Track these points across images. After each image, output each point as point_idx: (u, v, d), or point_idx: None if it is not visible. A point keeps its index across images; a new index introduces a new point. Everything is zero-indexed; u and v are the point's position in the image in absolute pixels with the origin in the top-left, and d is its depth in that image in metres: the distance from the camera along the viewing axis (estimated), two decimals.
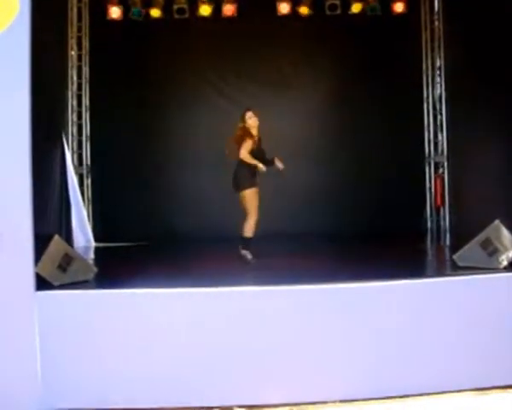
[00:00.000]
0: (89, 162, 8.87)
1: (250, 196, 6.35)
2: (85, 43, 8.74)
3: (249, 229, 6.30)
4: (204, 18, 8.62)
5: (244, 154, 6.28)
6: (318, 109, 8.92)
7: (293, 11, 8.63)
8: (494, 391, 4.37)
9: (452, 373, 4.39)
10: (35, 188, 4.21)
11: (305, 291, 4.48)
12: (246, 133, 6.36)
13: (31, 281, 4.23)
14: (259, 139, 6.46)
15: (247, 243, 6.34)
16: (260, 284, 4.67)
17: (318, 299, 4.45)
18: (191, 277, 5.34)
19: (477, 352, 4.42)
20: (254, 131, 6.42)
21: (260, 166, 6.25)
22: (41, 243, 4.47)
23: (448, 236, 8.70)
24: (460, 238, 6.03)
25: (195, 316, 4.37)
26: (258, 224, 6.37)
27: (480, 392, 4.37)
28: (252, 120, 6.41)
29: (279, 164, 6.50)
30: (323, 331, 4.39)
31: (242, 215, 6.40)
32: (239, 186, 6.40)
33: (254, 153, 6.34)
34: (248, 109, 6.48)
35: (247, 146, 6.29)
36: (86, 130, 8.86)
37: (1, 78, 4.13)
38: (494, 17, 6.65)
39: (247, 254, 6.32)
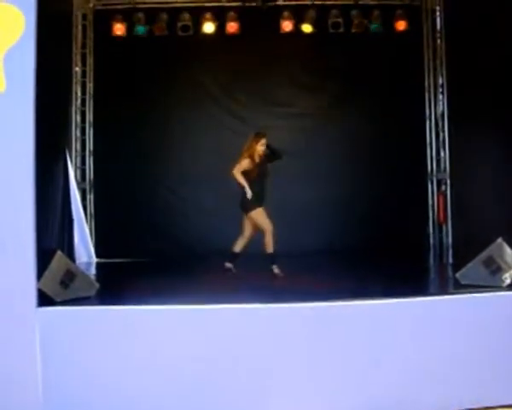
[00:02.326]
0: (92, 178, 8.90)
1: (257, 216, 6.55)
2: (90, 60, 8.80)
3: (269, 245, 6.47)
4: (207, 35, 8.69)
5: (236, 171, 6.43)
6: (319, 126, 8.94)
7: (296, 29, 8.68)
8: None
9: (455, 392, 4.37)
10: (38, 203, 4.22)
11: (307, 309, 4.47)
12: (249, 154, 6.48)
13: (33, 297, 4.23)
14: (261, 166, 6.54)
15: (273, 258, 6.51)
16: (263, 302, 4.64)
17: (319, 317, 4.43)
18: (194, 293, 5.32)
19: (480, 371, 4.40)
20: (257, 159, 6.53)
21: (247, 190, 6.37)
22: (43, 259, 4.47)
23: (451, 253, 8.67)
24: (463, 256, 6.01)
25: (197, 333, 4.36)
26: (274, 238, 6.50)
27: None
28: (262, 149, 6.55)
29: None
30: (324, 349, 4.38)
31: (238, 231, 6.68)
32: (245, 209, 6.57)
33: (251, 177, 6.45)
34: (264, 136, 6.59)
35: (243, 165, 6.46)
36: (89, 145, 8.88)
37: (7, 93, 4.17)
38: (496, 35, 6.69)
39: (275, 269, 6.47)
